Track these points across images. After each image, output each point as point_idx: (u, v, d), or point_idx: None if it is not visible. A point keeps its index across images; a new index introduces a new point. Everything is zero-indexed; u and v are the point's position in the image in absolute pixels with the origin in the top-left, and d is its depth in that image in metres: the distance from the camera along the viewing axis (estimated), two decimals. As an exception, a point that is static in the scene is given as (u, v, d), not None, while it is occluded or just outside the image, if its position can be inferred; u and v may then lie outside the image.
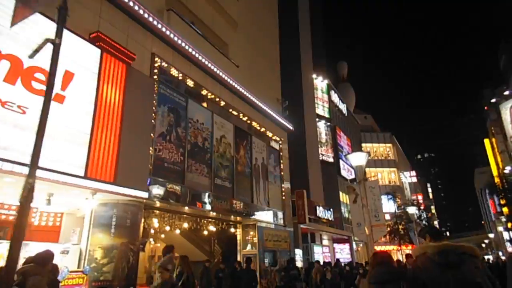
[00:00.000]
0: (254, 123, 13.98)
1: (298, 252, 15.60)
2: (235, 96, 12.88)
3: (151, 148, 8.52)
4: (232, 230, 13.25)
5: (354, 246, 26.69)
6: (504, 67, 43.59)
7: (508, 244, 42.99)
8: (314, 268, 11.92)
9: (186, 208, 10.25)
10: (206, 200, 10.38)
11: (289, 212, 15.70)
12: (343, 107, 33.72)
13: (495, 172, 47.56)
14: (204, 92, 11.11)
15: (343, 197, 27.29)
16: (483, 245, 58.55)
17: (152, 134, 8.63)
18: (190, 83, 10.48)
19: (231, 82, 12.26)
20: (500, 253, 42.73)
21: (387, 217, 30.58)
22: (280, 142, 16.06)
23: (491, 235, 47.58)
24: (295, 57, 25.58)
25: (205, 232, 13.81)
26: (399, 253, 36.87)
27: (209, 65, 11.11)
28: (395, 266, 3.80)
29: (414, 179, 58.13)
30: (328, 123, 28.50)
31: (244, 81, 13.40)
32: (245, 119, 13.35)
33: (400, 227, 23.91)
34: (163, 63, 9.47)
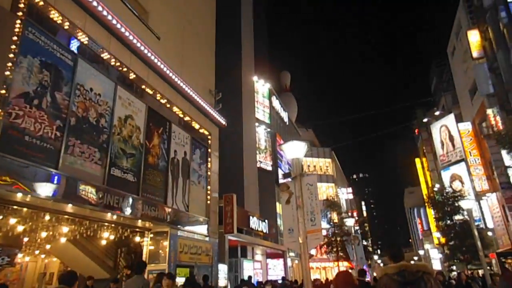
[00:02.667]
0: (176, 109, 11.57)
1: (222, 268, 13.21)
2: (152, 72, 10.43)
3: (-1, 110, 5.78)
4: (138, 239, 10.55)
5: (289, 262, 24.91)
6: (434, 90, 45.94)
7: (434, 261, 44.36)
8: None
9: (70, 206, 7.53)
10: (94, 195, 7.69)
11: (214, 219, 13.33)
12: (284, 115, 32.47)
13: (424, 190, 49.57)
14: (105, 55, 8.55)
15: (280, 208, 25.54)
16: (412, 262, 60.56)
17: (2, 91, 5.90)
18: (82, 38, 7.88)
19: (146, 52, 9.82)
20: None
21: (324, 232, 29.52)
22: (210, 137, 13.79)
23: (421, 252, 49.02)
24: (235, 55, 23.74)
25: (103, 242, 10.99)
26: (334, 270, 35.89)
27: (114, 21, 8.61)
28: (356, 284, 3.68)
29: (351, 196, 59.05)
30: (268, 129, 26.86)
31: (167, 58, 11.05)
32: (163, 101, 10.91)
33: (338, 238, 22.56)
34: (38, 0, 6.83)
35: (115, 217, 8.92)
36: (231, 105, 21.09)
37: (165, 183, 10.49)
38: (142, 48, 9.62)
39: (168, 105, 11.15)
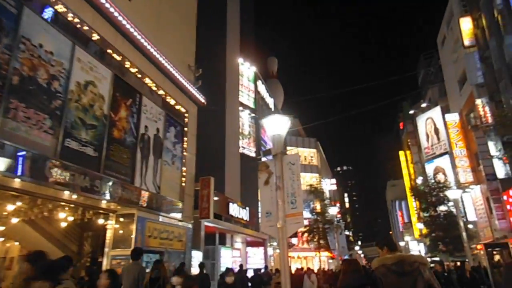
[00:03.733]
0: (148, 81, 10.48)
1: (197, 255, 12.30)
2: (120, 36, 9.29)
3: None
4: (101, 221, 9.54)
5: (271, 250, 24.25)
6: (422, 82, 45.66)
7: (414, 253, 44.60)
8: None
9: (18, 180, 6.47)
10: (45, 168, 6.63)
11: (189, 203, 12.39)
12: (270, 101, 31.49)
13: (407, 183, 49.71)
14: (60, 8, 7.39)
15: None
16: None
17: None
18: (31, -16, 6.72)
19: (112, 10, 8.68)
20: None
21: (306, 222, 28.90)
22: (187, 115, 12.75)
23: (402, 244, 49.27)
24: (219, 34, 22.51)
25: (63, 224, 9.95)
26: (315, 260, 35.52)
27: (72, -30, 7.45)
28: (363, 272, 4.04)
29: (334, 187, 58.92)
30: (253, 115, 25.88)
31: (139, 24, 9.92)
32: (134, 70, 9.81)
33: (320, 226, 21.89)
34: None
35: (74, 196, 7.89)
36: (214, 86, 19.98)
37: (132, 161, 9.46)
38: (107, 5, 8.47)
39: (139, 75, 10.06)
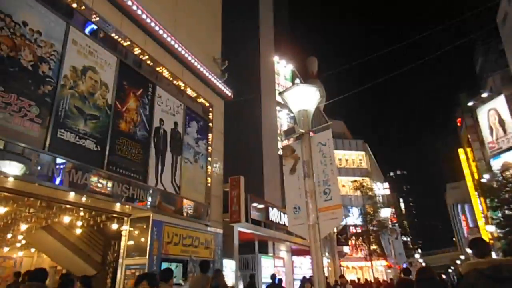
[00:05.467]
0: (162, 70, 9.47)
1: (229, 264, 10.95)
2: (126, 19, 8.39)
3: None
4: (115, 226, 8.54)
5: (325, 260, 22.29)
6: (480, 70, 41.37)
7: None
8: None
9: (11, 179, 5.64)
10: (24, 161, 5.70)
11: (217, 206, 11.12)
12: (310, 101, 29.82)
13: (470, 183, 45.03)
14: (49, -17, 6.56)
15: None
16: (458, 262, 55.75)
17: None
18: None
19: (114, -10, 7.80)
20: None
21: (358, 230, 26.43)
22: (211, 109, 11.60)
23: (469, 251, 44.46)
24: (251, 28, 21.48)
25: (78, 231, 9.12)
26: (370, 271, 32.67)
27: None
28: (438, 280, 4.26)
29: (387, 191, 54.87)
30: (291, 114, 24.37)
31: (152, 10, 9.00)
32: (144, 58, 8.84)
33: (371, 228, 19.53)
34: None
35: (83, 198, 6.97)
36: (248, 83, 18.96)
37: (145, 157, 8.40)
38: (107, -18, 7.59)
39: (152, 64, 9.07)
